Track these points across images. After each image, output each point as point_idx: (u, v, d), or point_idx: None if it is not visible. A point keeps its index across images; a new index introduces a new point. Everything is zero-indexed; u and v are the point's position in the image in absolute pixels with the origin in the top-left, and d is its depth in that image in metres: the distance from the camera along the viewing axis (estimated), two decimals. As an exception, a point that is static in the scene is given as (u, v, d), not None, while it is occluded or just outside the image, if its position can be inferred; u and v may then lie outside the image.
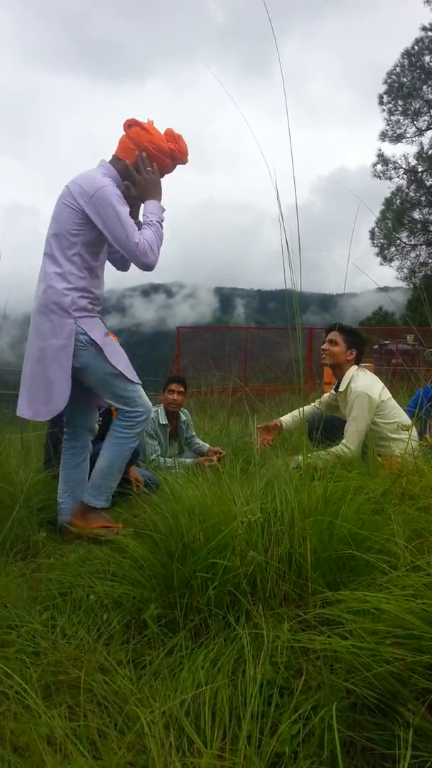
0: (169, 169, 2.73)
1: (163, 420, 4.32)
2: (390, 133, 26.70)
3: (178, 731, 1.24)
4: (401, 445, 3.16)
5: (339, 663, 1.26)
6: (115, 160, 2.67)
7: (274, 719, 1.25)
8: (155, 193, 2.67)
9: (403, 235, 29.12)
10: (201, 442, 4.62)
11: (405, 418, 3.27)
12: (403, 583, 1.36)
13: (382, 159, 27.19)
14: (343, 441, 3.14)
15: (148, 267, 2.53)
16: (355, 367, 3.37)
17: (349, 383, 3.29)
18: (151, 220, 2.59)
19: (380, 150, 27.36)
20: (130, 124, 2.66)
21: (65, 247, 2.51)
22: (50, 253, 2.54)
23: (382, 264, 29.83)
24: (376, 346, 14.20)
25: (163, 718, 1.28)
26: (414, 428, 3.30)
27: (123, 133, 2.69)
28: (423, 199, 27.83)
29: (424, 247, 29.38)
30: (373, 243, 29.58)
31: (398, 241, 29.28)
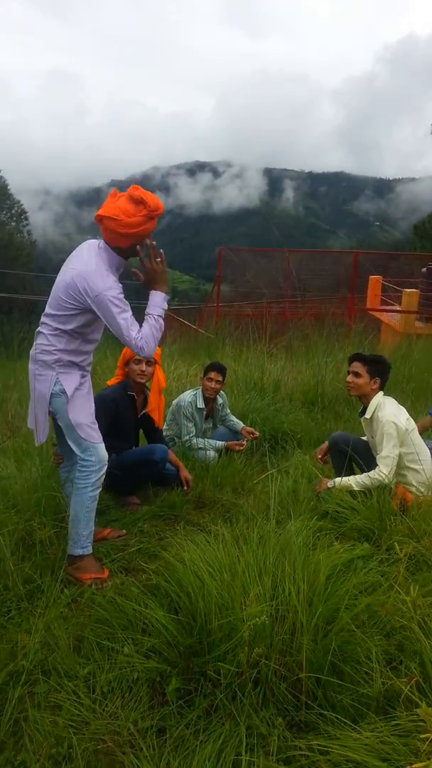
0: (154, 227, 2.81)
1: (201, 404, 4.59)
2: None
3: None
4: (418, 477, 3.37)
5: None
6: (108, 244, 2.81)
7: None
8: (161, 283, 2.85)
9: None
10: (235, 420, 4.90)
11: (424, 450, 3.43)
12: (374, 726, 1.66)
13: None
14: (379, 467, 3.32)
15: (143, 356, 2.84)
16: (380, 394, 3.50)
17: (375, 411, 3.44)
18: (152, 314, 2.80)
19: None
20: (100, 220, 2.77)
21: (61, 321, 2.78)
22: (49, 314, 2.81)
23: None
24: (424, 269, 13.72)
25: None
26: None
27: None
28: None
29: None
30: (434, 138, 27.36)
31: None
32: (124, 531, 3.36)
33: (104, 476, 2.94)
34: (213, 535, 2.64)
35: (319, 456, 3.85)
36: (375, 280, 15.33)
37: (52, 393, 2.80)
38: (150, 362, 3.70)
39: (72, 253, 2.90)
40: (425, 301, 13.21)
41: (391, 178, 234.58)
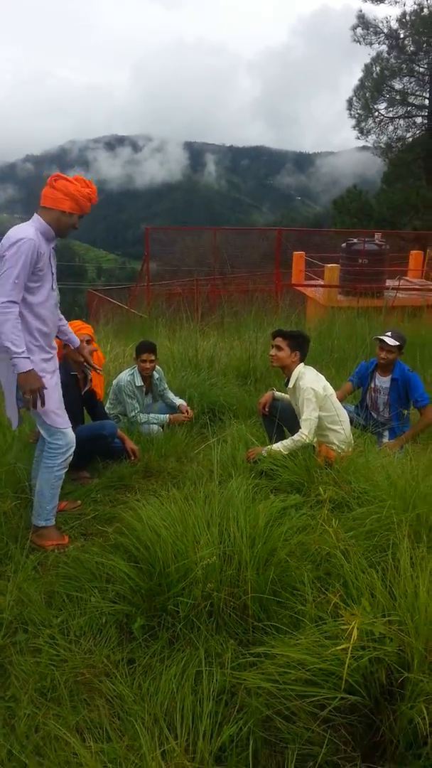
0: (87, 212, 3.09)
1: (139, 382, 4.87)
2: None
3: (160, 728, 1.97)
4: (338, 436, 3.81)
5: (261, 688, 1.98)
6: (44, 211, 2.99)
7: (224, 715, 2.00)
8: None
9: (382, 106, 27.78)
10: (173, 396, 5.21)
11: (342, 412, 3.88)
12: (309, 633, 2.05)
13: (363, 22, 25.13)
14: (301, 430, 3.72)
15: None
16: (301, 365, 3.90)
17: (296, 380, 3.84)
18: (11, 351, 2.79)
19: (361, 11, 25.19)
20: (56, 179, 2.99)
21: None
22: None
23: (358, 138, 28.72)
24: (344, 244, 14.39)
25: (151, 717, 2.01)
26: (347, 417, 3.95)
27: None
28: (404, 67, 26.22)
29: (403, 120, 28.22)
30: (351, 114, 28.21)
31: (376, 113, 27.98)
32: (79, 501, 3.63)
33: (71, 457, 3.16)
34: (164, 497, 2.97)
35: (263, 405, 4.19)
36: (299, 256, 15.91)
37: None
38: (89, 341, 3.92)
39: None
40: (345, 275, 13.91)
41: (310, 152, 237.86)
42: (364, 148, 29.70)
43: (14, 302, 2.80)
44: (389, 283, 14.05)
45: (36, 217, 3.00)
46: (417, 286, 14.65)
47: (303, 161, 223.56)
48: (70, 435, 3.13)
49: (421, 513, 2.66)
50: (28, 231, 2.89)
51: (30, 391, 2.84)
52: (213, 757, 1.87)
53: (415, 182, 26.86)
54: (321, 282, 14.43)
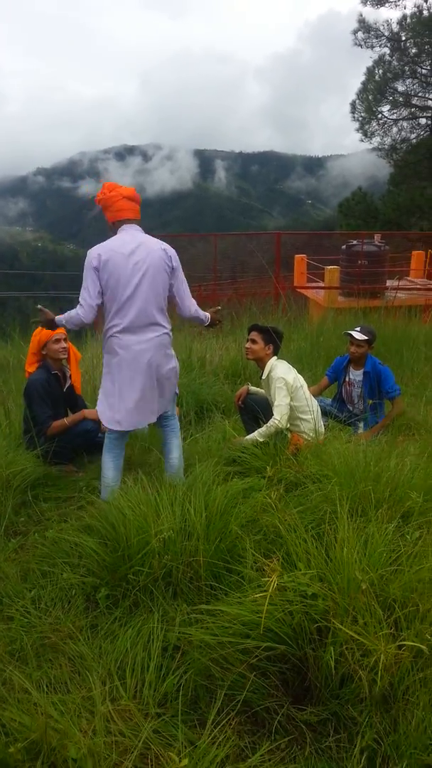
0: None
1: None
2: (372, -8, 24.69)
3: (112, 680, 2.19)
4: (307, 425, 4.02)
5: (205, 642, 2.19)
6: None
7: (169, 668, 2.22)
8: None
9: (385, 108, 27.95)
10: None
11: (313, 402, 4.08)
12: (251, 595, 2.26)
13: (364, 25, 25.35)
14: (274, 416, 3.94)
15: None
16: (274, 358, 4.12)
17: (269, 372, 4.06)
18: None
19: (361, 15, 25.41)
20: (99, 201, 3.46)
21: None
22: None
23: (362, 140, 28.87)
24: (344, 246, 14.57)
25: (106, 671, 2.23)
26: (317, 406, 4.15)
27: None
28: (407, 69, 26.37)
29: (406, 122, 28.34)
30: (354, 117, 28.41)
31: (380, 116, 28.14)
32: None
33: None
34: (132, 481, 3.19)
35: (238, 398, 4.42)
36: (300, 259, 16.11)
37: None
38: (66, 339, 4.25)
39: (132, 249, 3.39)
40: (345, 276, 14.09)
41: (320, 156, 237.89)
42: (374, 149, 29.83)
43: None
44: (390, 283, 14.20)
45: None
46: (418, 286, 14.78)
47: (313, 165, 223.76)
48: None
49: (367, 491, 2.85)
50: None
51: None
52: (156, 702, 2.09)
53: (421, 183, 26.96)
54: (322, 284, 14.62)
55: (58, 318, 3.47)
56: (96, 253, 3.30)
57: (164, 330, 3.47)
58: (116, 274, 3.26)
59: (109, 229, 3.55)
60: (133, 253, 3.30)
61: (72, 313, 3.38)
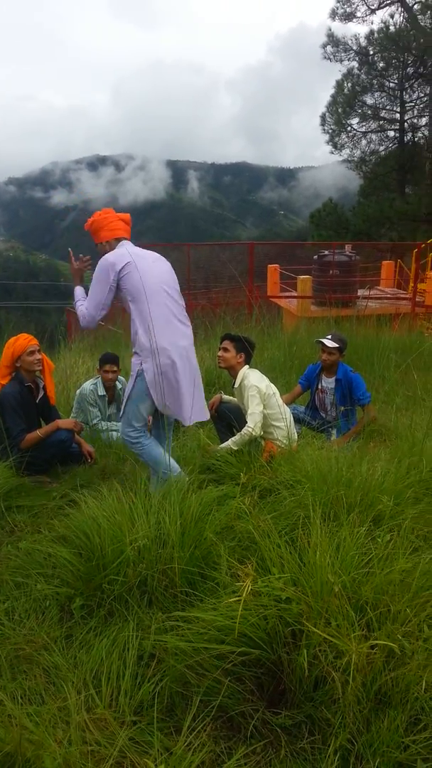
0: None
1: (101, 392, 5.11)
2: (340, 10, 25.23)
3: (87, 689, 2.18)
4: (281, 432, 4.06)
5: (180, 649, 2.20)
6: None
7: (144, 676, 2.22)
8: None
9: (354, 121, 28.48)
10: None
11: (285, 410, 4.14)
12: (225, 601, 2.28)
13: (333, 39, 25.87)
14: (248, 425, 3.97)
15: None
16: (246, 367, 4.16)
17: (242, 380, 4.10)
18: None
19: (330, 29, 25.96)
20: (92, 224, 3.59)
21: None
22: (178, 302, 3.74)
23: (332, 153, 29.37)
24: (315, 256, 14.77)
25: (81, 681, 2.22)
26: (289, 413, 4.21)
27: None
28: (375, 82, 26.95)
29: (375, 134, 28.92)
30: (324, 129, 28.89)
31: (349, 128, 28.67)
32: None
33: None
34: (108, 490, 3.19)
35: (210, 407, 4.44)
36: (273, 269, 16.27)
37: None
38: (39, 350, 4.24)
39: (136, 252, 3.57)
40: (317, 286, 14.27)
41: (292, 167, 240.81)
42: (344, 161, 30.39)
43: None
44: (361, 292, 14.43)
45: None
46: (389, 295, 15.04)
47: (285, 176, 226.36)
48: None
49: (339, 495, 2.90)
50: None
51: None
52: (132, 710, 2.09)
53: (390, 195, 27.50)
54: (295, 293, 14.78)
55: (78, 290, 3.69)
56: (122, 258, 3.47)
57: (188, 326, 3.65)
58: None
59: (98, 250, 3.59)
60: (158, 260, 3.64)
61: (83, 311, 3.55)
